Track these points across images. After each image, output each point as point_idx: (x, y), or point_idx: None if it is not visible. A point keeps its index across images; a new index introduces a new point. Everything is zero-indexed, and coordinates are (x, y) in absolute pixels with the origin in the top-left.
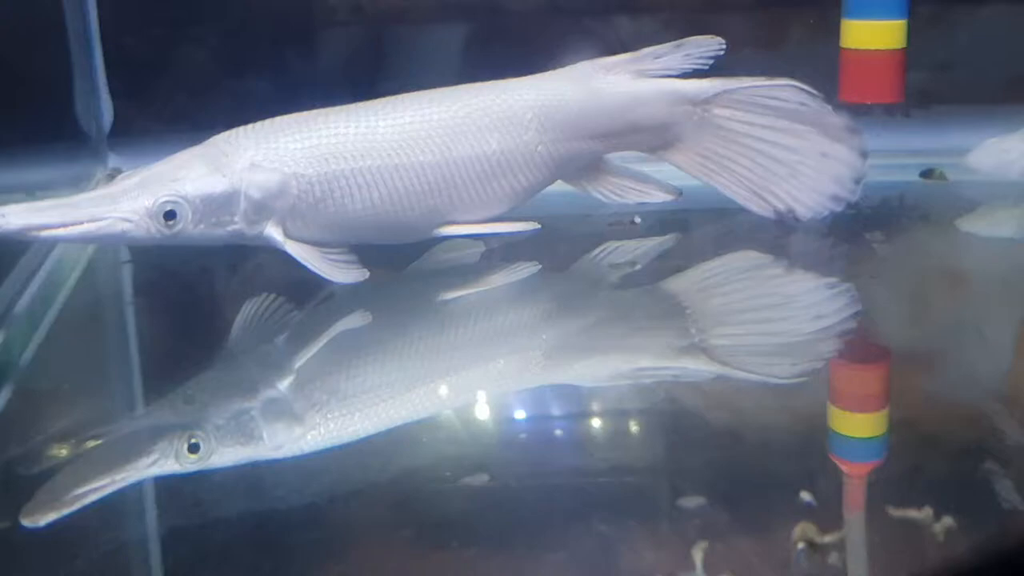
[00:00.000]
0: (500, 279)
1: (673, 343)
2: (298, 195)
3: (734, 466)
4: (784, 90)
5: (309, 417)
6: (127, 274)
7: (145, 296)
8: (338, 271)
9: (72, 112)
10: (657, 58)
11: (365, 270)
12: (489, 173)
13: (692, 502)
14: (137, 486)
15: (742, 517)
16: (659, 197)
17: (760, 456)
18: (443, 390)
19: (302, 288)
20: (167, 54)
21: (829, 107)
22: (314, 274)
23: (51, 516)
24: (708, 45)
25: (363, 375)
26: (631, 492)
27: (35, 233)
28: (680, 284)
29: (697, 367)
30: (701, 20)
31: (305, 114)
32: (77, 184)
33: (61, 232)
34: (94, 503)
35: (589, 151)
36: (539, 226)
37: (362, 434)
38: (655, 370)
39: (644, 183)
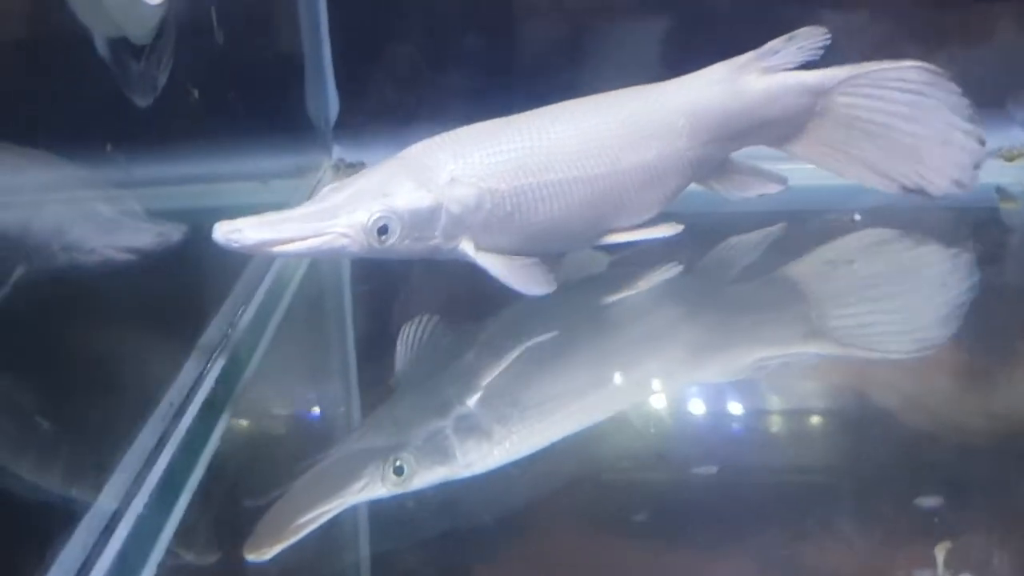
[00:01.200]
0: (647, 282)
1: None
2: (491, 209)
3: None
4: (908, 71)
5: (498, 432)
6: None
7: (346, 318)
8: (531, 283)
9: (303, 105)
10: (775, 53)
11: (553, 280)
12: (648, 180)
13: (928, 502)
14: (351, 511)
15: (978, 517)
16: (775, 188)
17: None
18: (614, 394)
19: (481, 302)
20: (388, 51)
21: (954, 85)
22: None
23: (274, 549)
24: (817, 36)
25: (543, 385)
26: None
27: (268, 248)
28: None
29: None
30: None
31: (490, 124)
32: (304, 174)
33: (290, 248)
34: (313, 532)
35: (726, 151)
36: (683, 227)
37: (549, 441)
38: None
39: (760, 176)
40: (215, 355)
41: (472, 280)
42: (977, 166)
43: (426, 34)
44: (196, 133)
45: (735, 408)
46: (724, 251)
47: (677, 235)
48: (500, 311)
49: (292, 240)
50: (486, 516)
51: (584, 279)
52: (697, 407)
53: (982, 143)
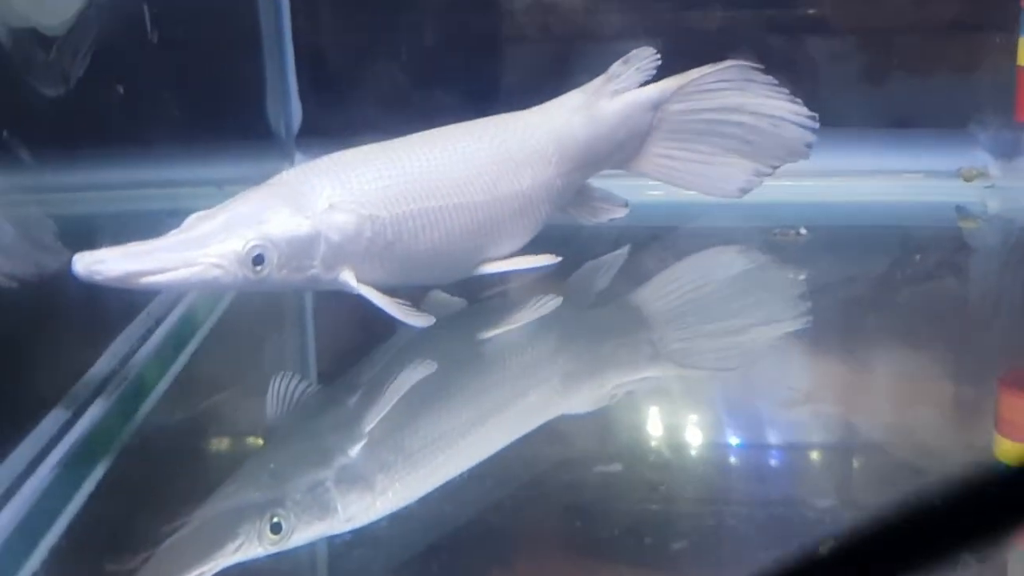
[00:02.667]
0: (518, 313)
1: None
2: (371, 238)
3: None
4: (729, 71)
5: (380, 481)
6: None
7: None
8: (412, 316)
9: (263, 113)
10: (619, 76)
11: (431, 315)
12: (522, 208)
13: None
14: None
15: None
16: (621, 212)
17: None
18: (494, 432)
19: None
20: (354, 60)
21: (771, 78)
22: (385, 319)
23: None
24: (649, 55)
25: (423, 428)
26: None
27: (134, 281)
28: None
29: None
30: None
31: (366, 149)
32: (264, 180)
33: (156, 279)
34: None
35: (586, 176)
36: (560, 259)
37: (432, 487)
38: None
39: (608, 200)
40: (97, 394)
41: (347, 318)
42: (809, 145)
43: (395, 41)
44: (142, 135)
45: (607, 437)
46: (583, 275)
47: (557, 264)
48: (374, 352)
49: (159, 271)
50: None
51: (453, 314)
52: (573, 438)
53: (813, 117)
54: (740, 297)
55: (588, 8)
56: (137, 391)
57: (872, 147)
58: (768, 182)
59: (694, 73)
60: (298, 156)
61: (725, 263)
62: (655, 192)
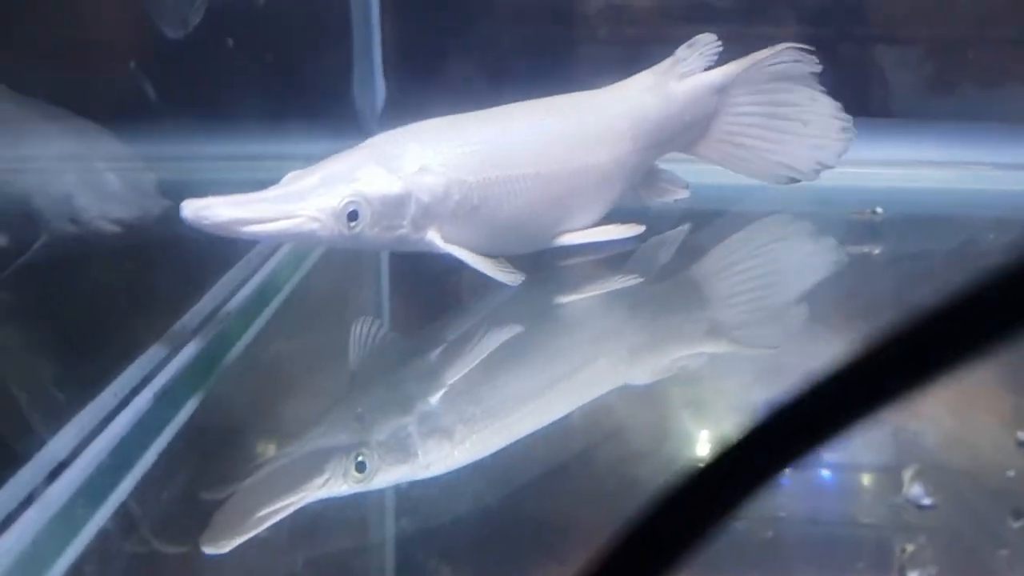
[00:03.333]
0: (596, 284)
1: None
2: (459, 200)
3: None
4: (784, 53)
5: (460, 431)
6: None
7: (331, 304)
8: (502, 273)
9: (349, 91)
10: (685, 60)
11: (518, 273)
12: (600, 182)
13: None
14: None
15: None
16: (684, 193)
17: None
18: (562, 397)
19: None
20: (437, 43)
21: (818, 65)
22: (466, 281)
23: (232, 543)
24: (711, 42)
25: (502, 385)
26: None
27: (238, 228)
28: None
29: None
30: None
31: (453, 118)
32: None
33: (258, 229)
34: (271, 527)
35: (657, 156)
36: (644, 228)
37: (510, 441)
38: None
39: (673, 182)
40: (190, 340)
41: (438, 279)
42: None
43: (479, 24)
44: (231, 107)
45: (674, 409)
46: (647, 250)
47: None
48: (459, 313)
49: (262, 221)
50: (445, 517)
51: (534, 281)
52: (641, 409)
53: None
54: (806, 275)
55: (658, 17)
56: (232, 333)
57: (945, 140)
58: (843, 169)
59: (752, 58)
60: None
61: (795, 242)
62: (721, 175)
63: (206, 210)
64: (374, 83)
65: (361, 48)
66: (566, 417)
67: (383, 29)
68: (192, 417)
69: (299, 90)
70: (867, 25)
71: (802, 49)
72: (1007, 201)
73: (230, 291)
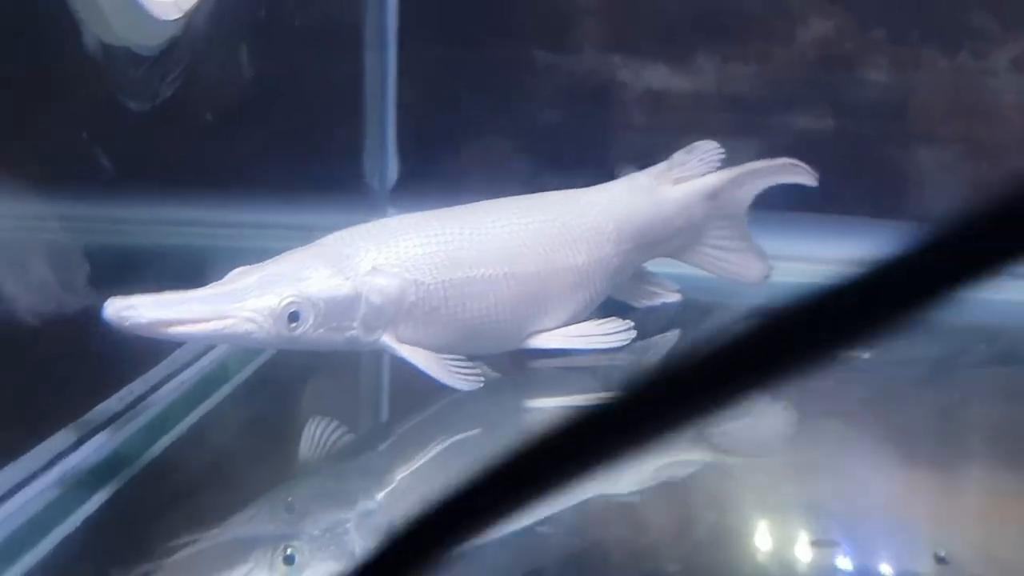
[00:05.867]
0: (568, 386)
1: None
2: (415, 302)
3: None
4: (780, 167)
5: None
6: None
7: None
8: (456, 377)
9: (360, 166)
10: (681, 164)
11: (481, 377)
12: (577, 283)
13: None
14: None
15: None
16: (674, 297)
17: None
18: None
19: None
20: (454, 123)
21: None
22: (429, 380)
23: None
24: (712, 148)
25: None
26: None
27: (163, 329)
28: None
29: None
30: None
31: (418, 216)
32: None
33: (186, 330)
34: None
35: (643, 259)
36: (635, 334)
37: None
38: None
39: (662, 285)
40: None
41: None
42: None
43: (493, 107)
44: (233, 173)
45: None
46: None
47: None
48: (419, 409)
49: (190, 322)
50: None
51: (508, 382)
52: (611, 520)
53: None
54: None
55: (695, 104)
56: (160, 425)
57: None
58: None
59: (748, 166)
60: (390, 210)
61: None
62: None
63: (128, 310)
64: (386, 159)
65: (374, 122)
66: (530, 526)
67: (399, 104)
68: (106, 503)
69: (310, 161)
70: (906, 121)
71: (800, 165)
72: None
73: (165, 380)
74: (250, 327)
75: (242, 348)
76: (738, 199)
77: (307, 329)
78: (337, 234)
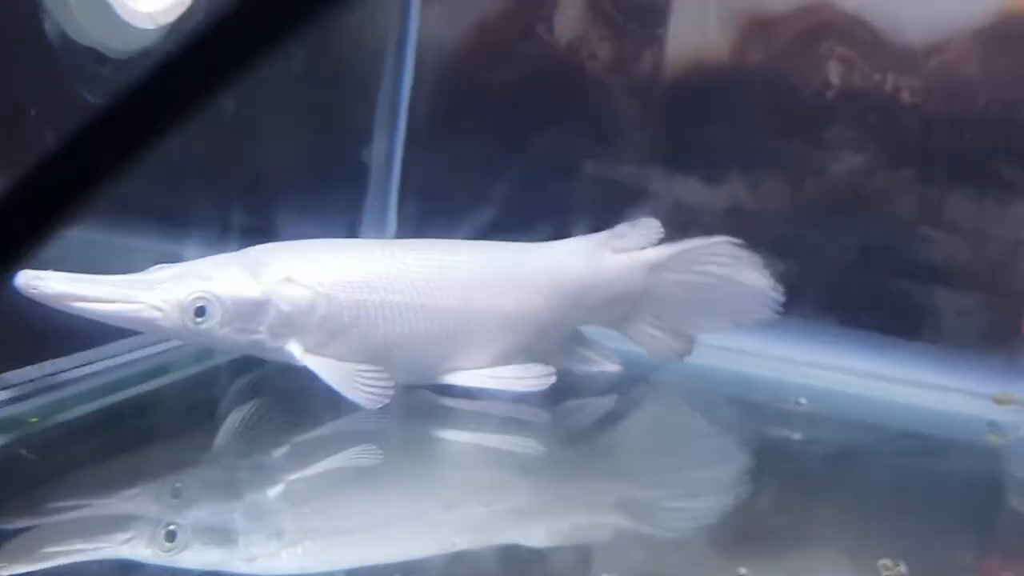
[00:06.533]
0: (489, 428)
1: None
2: (325, 316)
3: None
4: (719, 246)
5: (291, 533)
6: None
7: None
8: (359, 392)
9: (359, 228)
10: (622, 236)
11: (388, 394)
12: (501, 329)
13: None
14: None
15: None
16: (614, 367)
17: None
18: (416, 540)
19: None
20: (454, 191)
21: (759, 261)
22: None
23: (16, 569)
24: (654, 227)
25: (352, 503)
26: None
27: (68, 303)
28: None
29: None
30: None
31: (346, 241)
32: None
33: (93, 307)
34: (57, 567)
35: (577, 322)
36: (555, 379)
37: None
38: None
39: (601, 353)
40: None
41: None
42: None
43: (498, 185)
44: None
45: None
46: (563, 414)
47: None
48: (330, 422)
49: (96, 300)
50: None
51: (422, 412)
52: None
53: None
54: (720, 460)
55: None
56: (76, 398)
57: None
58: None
59: (687, 243)
60: None
61: (713, 424)
62: None
63: (37, 280)
64: (386, 225)
65: (378, 184)
66: (437, 555)
67: (404, 167)
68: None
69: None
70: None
71: (739, 245)
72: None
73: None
74: (156, 314)
75: (160, 338)
76: (679, 277)
77: (213, 325)
78: (263, 246)
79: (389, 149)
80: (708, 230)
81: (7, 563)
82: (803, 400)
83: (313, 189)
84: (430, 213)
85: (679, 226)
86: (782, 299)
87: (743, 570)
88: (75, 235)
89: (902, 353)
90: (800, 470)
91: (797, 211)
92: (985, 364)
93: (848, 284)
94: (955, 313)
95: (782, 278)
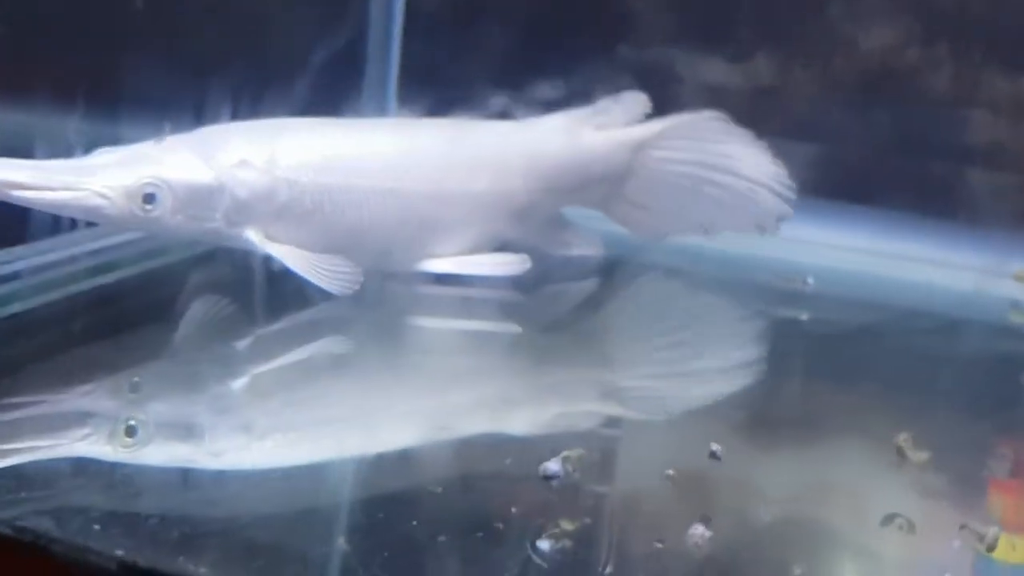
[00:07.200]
0: (468, 315)
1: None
2: (286, 202)
3: None
4: (711, 121)
5: (260, 426)
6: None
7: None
8: (326, 279)
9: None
10: (605, 111)
11: (358, 280)
12: (474, 212)
13: None
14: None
15: None
16: (594, 251)
17: None
18: (389, 430)
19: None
20: (456, 79)
21: (753, 134)
22: (305, 283)
23: None
24: (640, 102)
25: (324, 394)
26: None
27: (9, 192)
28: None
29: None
30: None
31: (305, 120)
32: None
33: (32, 195)
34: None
35: (557, 204)
36: (529, 264)
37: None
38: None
39: (582, 237)
40: None
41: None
42: (780, 218)
43: (502, 64)
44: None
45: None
46: (542, 300)
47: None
48: (300, 311)
49: (39, 188)
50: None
51: (396, 299)
52: (465, 450)
53: (791, 187)
54: (713, 342)
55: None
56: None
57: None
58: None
59: (675, 119)
60: None
61: (705, 307)
62: None
63: None
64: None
65: (375, 69)
66: (417, 445)
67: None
68: None
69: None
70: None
71: (729, 121)
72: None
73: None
74: (101, 203)
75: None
76: (668, 155)
77: (163, 213)
78: (216, 126)
79: (386, 33)
80: (730, 109)
81: None
82: (810, 280)
83: (312, 75)
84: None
85: (703, 107)
86: (793, 197)
87: (715, 446)
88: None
89: (928, 233)
90: (808, 351)
91: (825, 90)
92: (1014, 245)
93: (875, 165)
94: (988, 194)
95: (802, 159)
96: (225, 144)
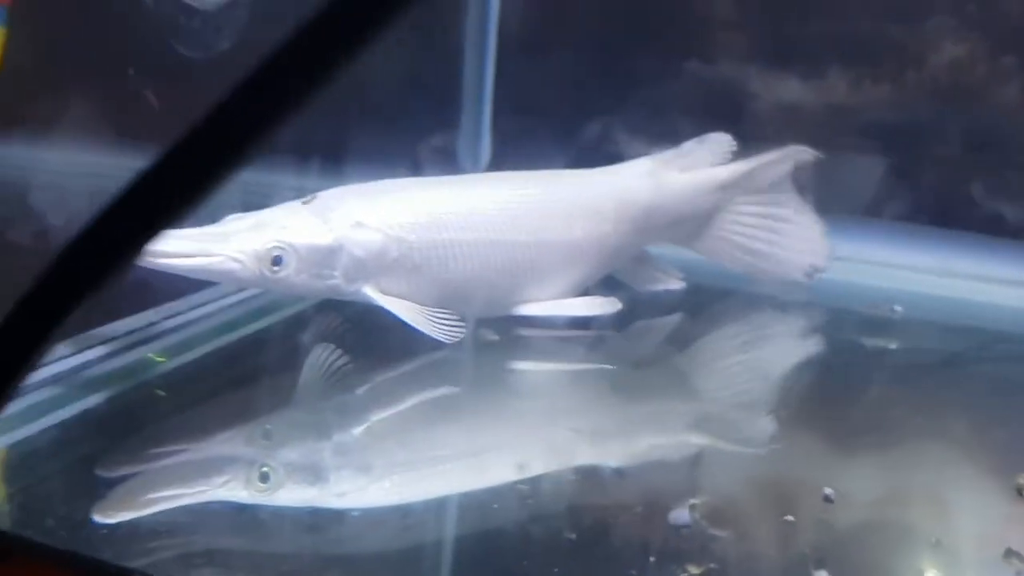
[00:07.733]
0: (560, 357)
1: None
2: (397, 258)
3: None
4: (789, 155)
5: (379, 468)
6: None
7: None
8: (436, 328)
9: (454, 146)
10: (690, 154)
11: (463, 329)
12: (571, 258)
13: None
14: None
15: None
16: (677, 285)
17: None
18: (504, 462)
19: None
20: (546, 106)
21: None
22: (414, 333)
23: (121, 516)
24: (725, 142)
25: (436, 436)
26: None
27: (151, 260)
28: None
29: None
30: None
31: (410, 180)
32: None
33: (177, 263)
34: (162, 511)
35: (644, 243)
36: (620, 306)
37: (430, 493)
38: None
39: (666, 271)
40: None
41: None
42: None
43: (588, 89)
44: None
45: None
46: (631, 335)
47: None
48: (409, 359)
49: (178, 256)
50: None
51: (496, 344)
52: (583, 488)
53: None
54: (801, 375)
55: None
56: (172, 348)
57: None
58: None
59: (758, 159)
60: None
61: (795, 340)
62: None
63: None
64: (481, 140)
65: (471, 109)
66: (518, 481)
67: (496, 90)
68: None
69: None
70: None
71: (805, 149)
72: None
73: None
74: (235, 267)
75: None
76: (750, 191)
77: (289, 273)
78: (330, 191)
79: (480, 65)
80: (806, 127)
81: (116, 510)
82: (898, 307)
83: (410, 109)
84: (525, 129)
85: (780, 125)
86: (823, 265)
87: (828, 490)
88: None
89: (1006, 253)
90: (900, 381)
91: (897, 105)
92: None
93: (949, 180)
94: None
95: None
96: (342, 207)
